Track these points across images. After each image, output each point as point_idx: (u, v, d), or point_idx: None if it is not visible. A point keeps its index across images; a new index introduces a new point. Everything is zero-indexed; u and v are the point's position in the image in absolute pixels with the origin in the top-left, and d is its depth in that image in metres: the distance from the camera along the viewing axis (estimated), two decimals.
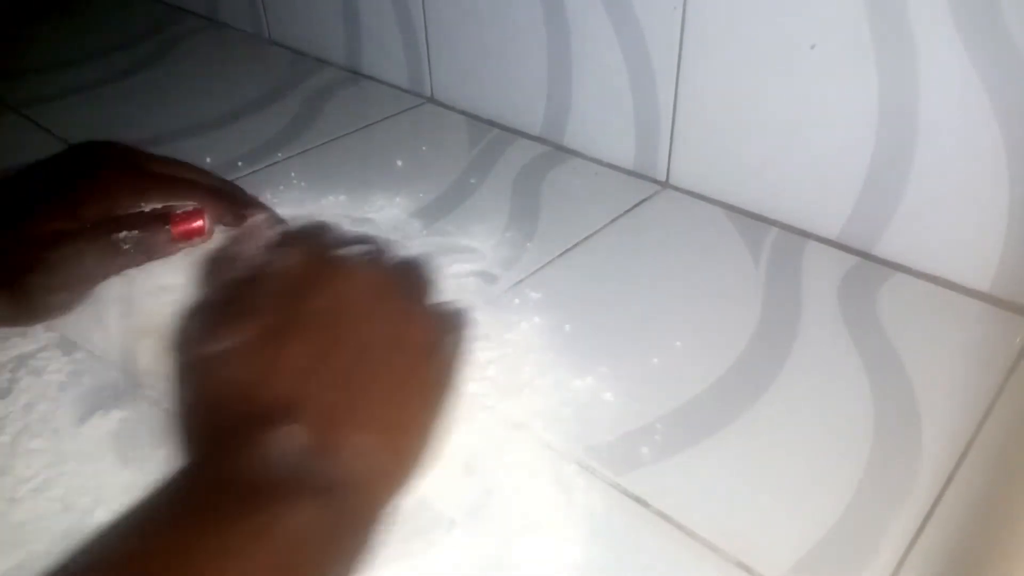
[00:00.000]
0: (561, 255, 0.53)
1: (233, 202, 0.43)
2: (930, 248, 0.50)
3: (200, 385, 0.30)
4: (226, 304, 0.32)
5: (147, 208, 0.40)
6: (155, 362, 0.36)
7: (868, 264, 0.52)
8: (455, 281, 0.51)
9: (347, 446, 0.28)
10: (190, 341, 0.31)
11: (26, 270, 0.38)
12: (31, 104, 0.74)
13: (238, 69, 0.82)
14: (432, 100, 0.74)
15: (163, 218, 0.40)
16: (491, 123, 0.69)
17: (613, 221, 0.56)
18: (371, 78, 0.78)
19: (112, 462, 0.38)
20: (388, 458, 0.30)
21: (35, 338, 0.45)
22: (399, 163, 0.64)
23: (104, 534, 0.25)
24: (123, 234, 0.38)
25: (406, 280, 0.35)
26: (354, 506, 0.28)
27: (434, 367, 0.33)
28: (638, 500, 0.37)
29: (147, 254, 0.39)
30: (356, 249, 0.34)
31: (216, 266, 0.35)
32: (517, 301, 0.49)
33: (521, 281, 0.51)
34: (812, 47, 0.49)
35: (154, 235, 0.39)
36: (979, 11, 0.42)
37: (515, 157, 0.64)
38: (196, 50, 0.87)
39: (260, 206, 0.44)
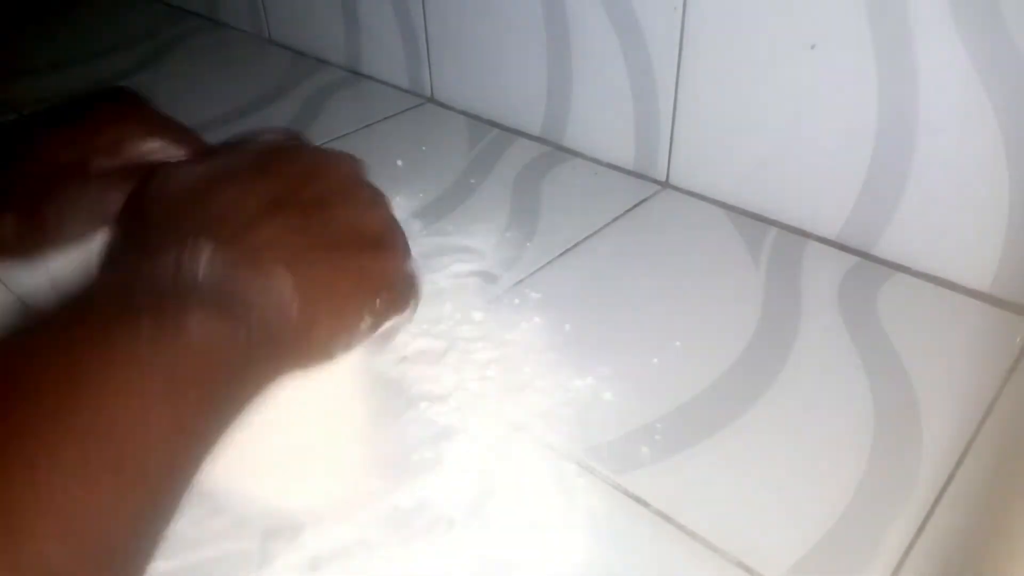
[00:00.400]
0: (561, 255, 0.53)
1: None
2: (930, 248, 0.50)
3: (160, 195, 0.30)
4: (206, 159, 0.33)
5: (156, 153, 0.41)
6: None
7: (868, 264, 0.52)
8: (455, 281, 0.51)
9: (272, 284, 0.27)
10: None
11: (42, 198, 0.37)
12: (32, 105, 0.74)
13: (238, 69, 0.82)
14: (432, 100, 0.74)
15: None
16: (491, 123, 0.69)
17: (613, 221, 0.56)
18: (371, 78, 0.78)
19: None
20: (312, 314, 0.28)
21: None
22: (399, 163, 0.64)
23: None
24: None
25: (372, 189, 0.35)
26: (263, 339, 0.27)
27: (386, 256, 0.32)
28: (638, 500, 0.37)
29: None
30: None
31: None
32: (517, 301, 0.49)
33: (521, 281, 0.51)
34: (812, 47, 0.49)
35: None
36: (979, 11, 0.43)
37: (515, 157, 0.64)
38: (196, 50, 0.87)
39: None
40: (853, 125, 0.49)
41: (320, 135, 0.68)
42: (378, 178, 0.61)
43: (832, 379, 0.43)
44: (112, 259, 0.30)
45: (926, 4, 0.44)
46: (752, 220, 0.56)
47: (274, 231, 0.28)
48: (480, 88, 0.69)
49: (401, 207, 0.58)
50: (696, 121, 0.57)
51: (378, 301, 0.30)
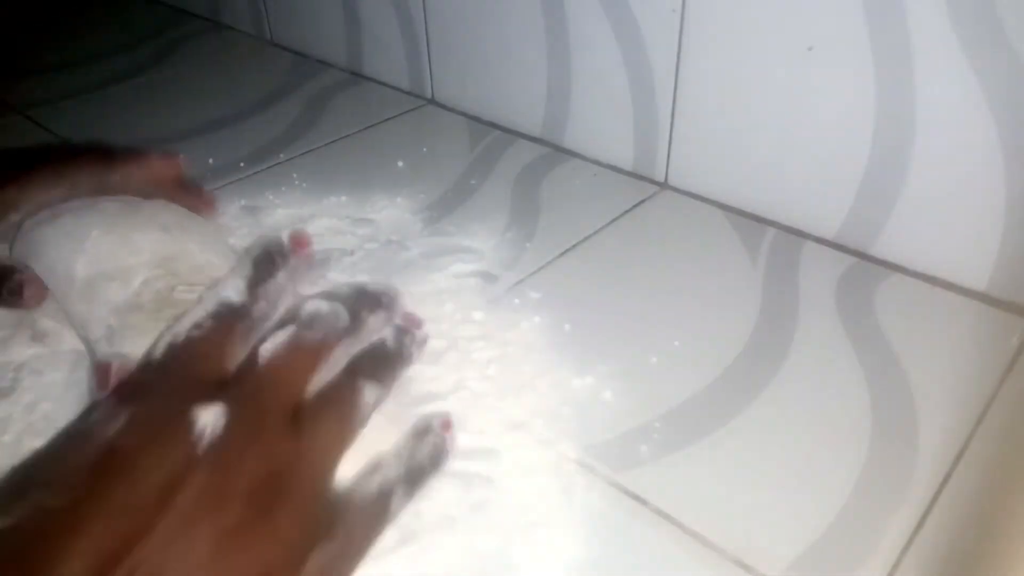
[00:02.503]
0: (561, 255, 0.53)
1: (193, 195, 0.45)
2: (927, 248, 0.50)
3: None
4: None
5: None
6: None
7: (865, 264, 0.52)
8: (456, 281, 0.51)
9: None
10: None
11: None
12: (34, 105, 0.74)
13: (240, 71, 0.83)
14: (433, 102, 0.74)
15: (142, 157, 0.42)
16: (492, 124, 0.70)
17: (612, 222, 0.57)
18: (372, 80, 0.78)
19: None
20: None
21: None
22: (400, 164, 0.64)
23: None
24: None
25: None
26: None
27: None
28: (637, 498, 0.37)
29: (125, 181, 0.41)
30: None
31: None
32: (517, 301, 0.49)
33: (521, 281, 0.51)
34: (810, 49, 0.49)
35: (138, 163, 0.41)
36: (976, 13, 0.43)
37: (515, 158, 0.65)
38: (198, 52, 0.87)
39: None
40: (850, 126, 0.50)
41: (321, 136, 0.68)
42: (379, 179, 0.61)
43: (829, 378, 0.43)
44: None
45: (924, 7, 0.44)
46: (750, 220, 0.56)
47: None
48: (480, 90, 0.69)
49: (402, 207, 0.58)
50: (695, 122, 0.57)
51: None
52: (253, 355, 0.30)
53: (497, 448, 0.40)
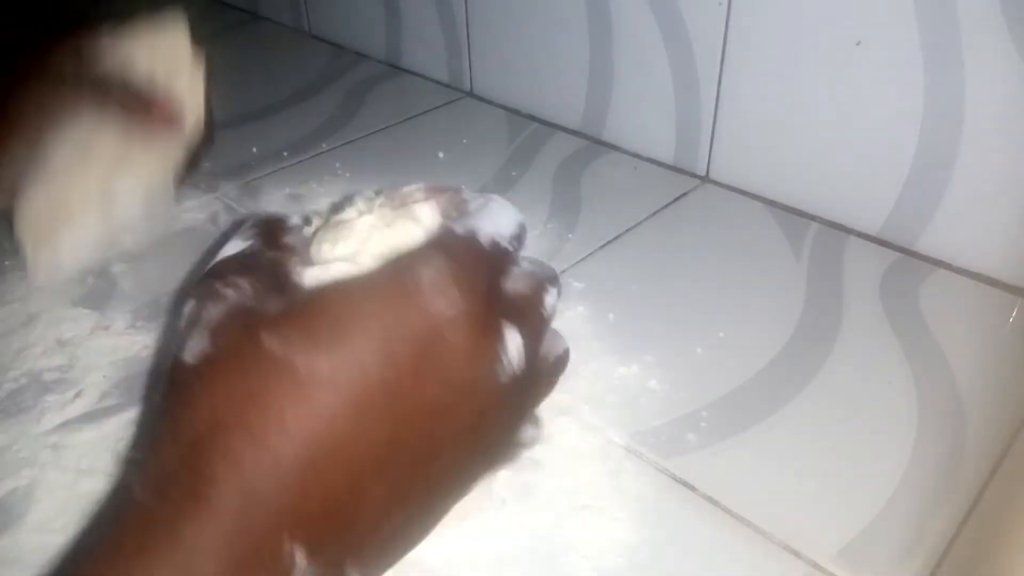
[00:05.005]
0: (603, 247, 0.54)
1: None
2: (973, 245, 0.50)
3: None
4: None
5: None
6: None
7: (910, 260, 0.52)
8: None
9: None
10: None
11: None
12: None
13: (279, 63, 0.83)
14: (471, 94, 0.74)
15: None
16: (530, 117, 0.70)
17: (654, 214, 0.57)
18: (410, 72, 0.79)
19: None
20: None
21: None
22: (441, 155, 0.65)
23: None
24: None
25: None
26: None
27: None
28: (686, 484, 0.38)
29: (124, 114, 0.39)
30: None
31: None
32: None
33: (564, 271, 0.51)
34: (858, 43, 0.49)
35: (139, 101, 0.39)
36: None
37: (555, 151, 0.65)
38: (237, 44, 0.88)
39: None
40: (897, 121, 0.50)
41: (362, 127, 0.69)
42: (421, 170, 0.62)
43: (875, 372, 0.44)
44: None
45: (975, 1, 0.44)
46: (793, 215, 0.56)
47: None
48: (520, 82, 0.70)
49: None
50: (738, 116, 0.57)
51: None
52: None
53: (545, 433, 0.40)
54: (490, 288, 0.28)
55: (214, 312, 0.25)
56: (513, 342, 0.27)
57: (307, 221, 0.32)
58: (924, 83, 0.48)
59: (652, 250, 0.54)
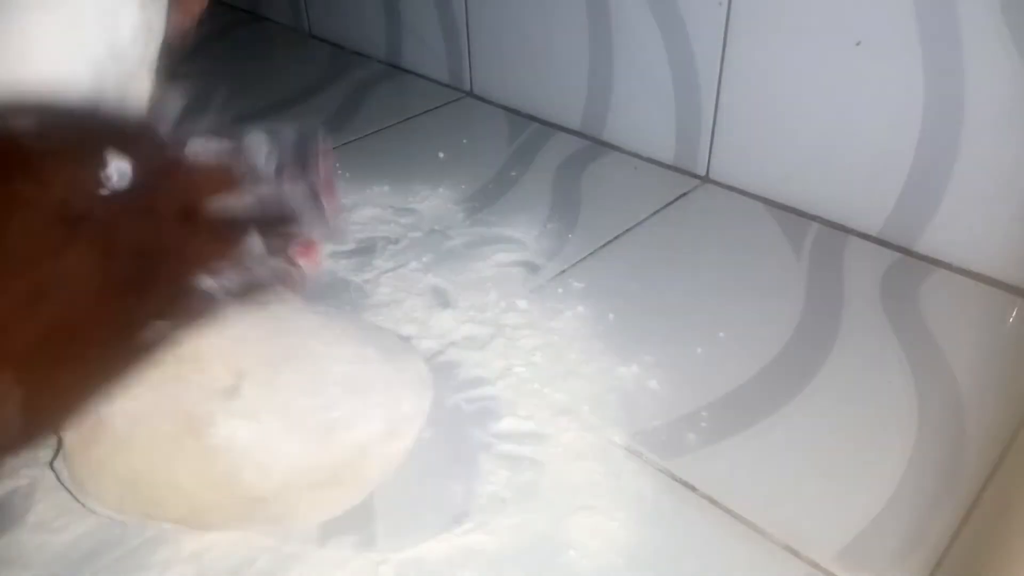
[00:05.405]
0: (603, 246, 0.54)
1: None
2: (973, 245, 0.50)
3: None
4: None
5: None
6: None
7: (909, 260, 0.52)
8: (499, 270, 0.52)
9: None
10: None
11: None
12: None
13: (279, 63, 0.84)
14: (471, 95, 0.74)
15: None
16: (530, 117, 0.70)
17: (654, 214, 0.57)
18: (410, 72, 0.79)
19: None
20: None
21: None
22: (441, 155, 0.65)
23: None
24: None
25: None
26: None
27: None
28: (686, 484, 0.38)
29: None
30: None
31: None
32: (561, 290, 0.50)
33: (564, 271, 0.51)
34: (858, 44, 0.49)
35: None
36: None
37: (555, 150, 0.65)
38: (238, 44, 0.88)
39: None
40: (897, 122, 0.50)
41: (362, 127, 0.69)
42: (421, 170, 0.62)
43: (875, 371, 0.43)
44: None
45: (975, 3, 0.44)
46: (793, 215, 0.56)
47: None
48: (520, 83, 0.70)
49: (444, 197, 0.59)
50: (738, 116, 0.57)
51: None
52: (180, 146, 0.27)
53: (545, 432, 0.40)
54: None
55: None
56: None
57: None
58: (924, 83, 0.48)
59: (652, 250, 0.54)
